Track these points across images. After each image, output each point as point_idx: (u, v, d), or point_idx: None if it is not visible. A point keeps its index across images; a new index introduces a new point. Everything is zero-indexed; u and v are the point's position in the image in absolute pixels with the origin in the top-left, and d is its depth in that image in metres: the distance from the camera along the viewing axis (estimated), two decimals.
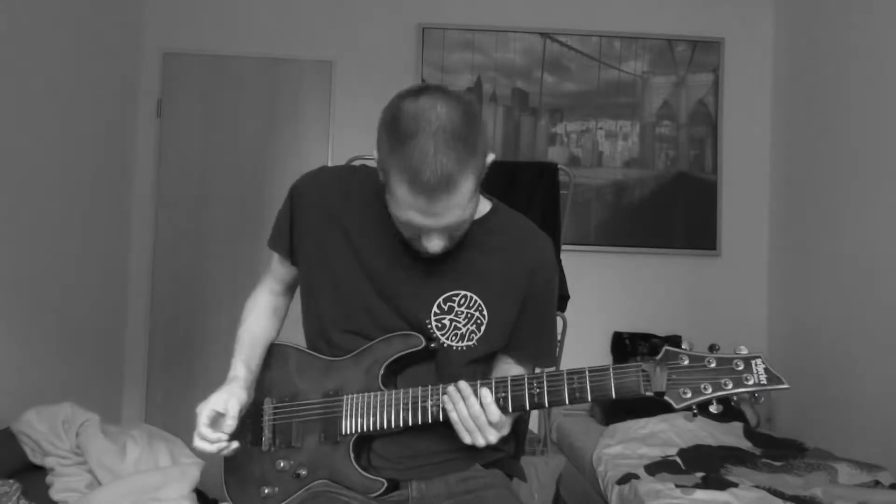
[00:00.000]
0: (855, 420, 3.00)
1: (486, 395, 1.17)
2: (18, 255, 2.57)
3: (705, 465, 2.48)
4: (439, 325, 1.29)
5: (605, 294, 3.73)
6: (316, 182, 1.39)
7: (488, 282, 1.30)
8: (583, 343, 3.23)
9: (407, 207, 1.12)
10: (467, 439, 1.19)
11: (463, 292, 1.29)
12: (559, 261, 2.88)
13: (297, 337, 1.46)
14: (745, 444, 2.86)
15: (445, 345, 1.29)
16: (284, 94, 3.73)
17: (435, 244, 1.18)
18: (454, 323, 1.29)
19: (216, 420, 1.26)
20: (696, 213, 3.80)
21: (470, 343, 1.29)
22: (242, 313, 1.46)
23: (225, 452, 1.27)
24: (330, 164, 3.68)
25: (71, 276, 2.97)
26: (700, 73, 3.84)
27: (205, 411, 1.27)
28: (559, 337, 2.99)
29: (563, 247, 2.99)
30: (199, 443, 1.26)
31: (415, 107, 1.10)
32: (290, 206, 1.38)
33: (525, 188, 2.87)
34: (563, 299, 2.90)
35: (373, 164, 1.27)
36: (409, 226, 1.16)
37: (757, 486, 2.24)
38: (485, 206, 1.35)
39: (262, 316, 1.45)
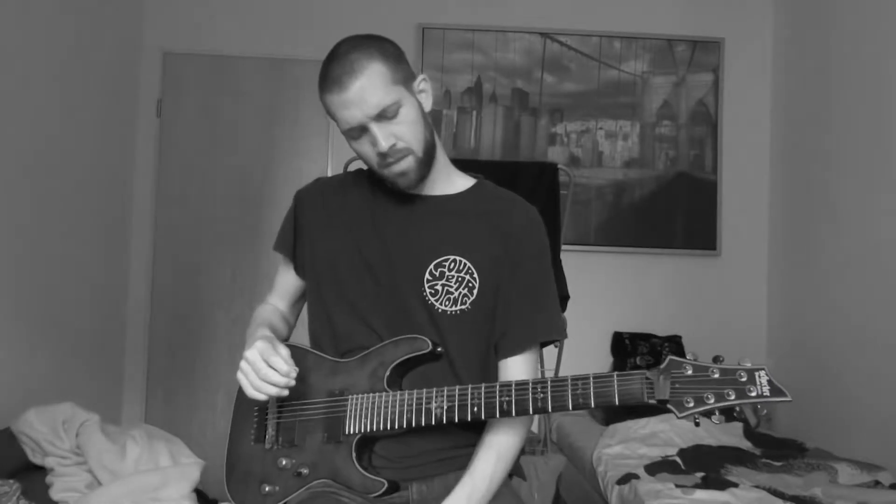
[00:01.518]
0: (855, 420, 3.00)
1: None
2: (18, 255, 2.58)
3: (705, 465, 2.48)
4: (432, 290, 1.32)
5: (605, 294, 3.73)
6: (316, 187, 1.49)
7: (477, 245, 1.34)
8: (583, 343, 3.23)
9: (338, 109, 1.26)
10: None
11: (452, 256, 1.33)
12: (559, 261, 2.88)
13: (301, 340, 1.47)
14: (745, 444, 2.86)
15: (440, 310, 1.32)
16: (284, 94, 3.73)
17: (380, 139, 1.25)
18: (446, 287, 1.32)
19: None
20: (696, 213, 3.80)
21: (463, 307, 1.32)
22: (253, 316, 1.49)
23: (283, 392, 1.24)
24: (329, 165, 3.70)
25: (71, 276, 2.97)
26: (700, 73, 3.84)
27: (265, 348, 1.24)
28: None
29: (563, 247, 2.99)
30: (262, 386, 1.22)
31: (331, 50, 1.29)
32: (293, 212, 1.47)
33: (525, 188, 2.87)
34: (563, 299, 2.89)
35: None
36: (351, 133, 1.28)
37: (757, 486, 2.24)
38: (468, 181, 1.43)
39: (275, 316, 1.49)
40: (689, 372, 1.11)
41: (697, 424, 1.12)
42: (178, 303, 3.65)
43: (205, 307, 3.64)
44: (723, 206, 3.81)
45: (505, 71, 3.79)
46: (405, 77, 1.29)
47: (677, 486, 2.23)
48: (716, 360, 1.12)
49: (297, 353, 1.40)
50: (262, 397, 1.24)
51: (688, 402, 1.09)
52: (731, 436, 2.93)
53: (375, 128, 1.26)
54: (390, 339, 1.31)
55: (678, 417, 1.10)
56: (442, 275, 1.33)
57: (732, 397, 1.08)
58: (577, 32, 3.81)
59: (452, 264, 1.33)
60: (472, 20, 3.78)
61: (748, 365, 1.10)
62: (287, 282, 1.50)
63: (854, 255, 3.06)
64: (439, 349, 1.29)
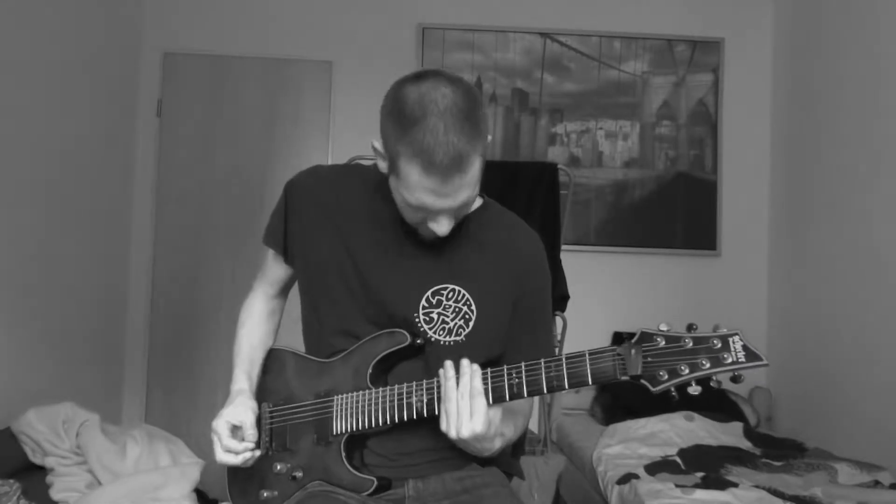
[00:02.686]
0: (855, 420, 3.00)
1: (465, 364, 1.15)
2: (18, 254, 2.58)
3: (705, 465, 2.48)
4: (427, 318, 1.29)
5: (605, 294, 3.73)
6: (310, 179, 1.41)
7: (478, 277, 1.31)
8: (583, 343, 3.19)
9: (420, 190, 1.13)
10: (443, 426, 1.15)
11: (451, 286, 1.29)
12: (559, 261, 2.88)
13: (291, 338, 1.47)
14: (745, 444, 2.86)
15: (433, 339, 1.29)
16: (284, 94, 3.73)
17: (444, 226, 1.19)
18: (442, 317, 1.29)
19: (233, 433, 1.28)
20: (696, 213, 3.80)
21: (458, 338, 1.29)
22: (239, 320, 1.47)
23: (249, 463, 1.29)
24: (329, 164, 3.68)
25: (71, 276, 2.97)
26: (700, 73, 3.84)
27: (223, 426, 1.28)
28: (559, 337, 2.99)
29: (563, 247, 2.99)
30: (224, 456, 1.27)
31: (418, 91, 1.11)
32: (284, 203, 1.40)
33: (525, 188, 2.87)
34: (563, 299, 2.89)
35: (369, 163, 1.27)
36: (419, 209, 1.17)
37: (757, 486, 2.24)
38: (477, 199, 1.36)
39: (259, 323, 1.47)
40: (662, 344, 1.08)
41: (675, 398, 1.09)
42: (178, 303, 3.65)
43: (205, 307, 3.64)
44: (723, 206, 3.81)
45: (505, 71, 3.79)
46: (485, 151, 1.18)
47: (677, 486, 2.23)
48: (689, 328, 1.09)
49: (282, 357, 1.42)
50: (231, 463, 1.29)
51: (661, 376, 1.07)
52: (731, 436, 2.93)
53: (446, 217, 1.19)
54: (369, 336, 1.30)
55: (653, 391, 1.07)
56: (439, 303, 1.29)
57: (707, 366, 1.05)
58: (577, 32, 3.81)
59: (451, 294, 1.30)
60: (472, 20, 3.78)
61: (722, 331, 1.07)
62: (277, 272, 1.47)
63: (854, 256, 3.06)
64: (419, 341, 1.28)
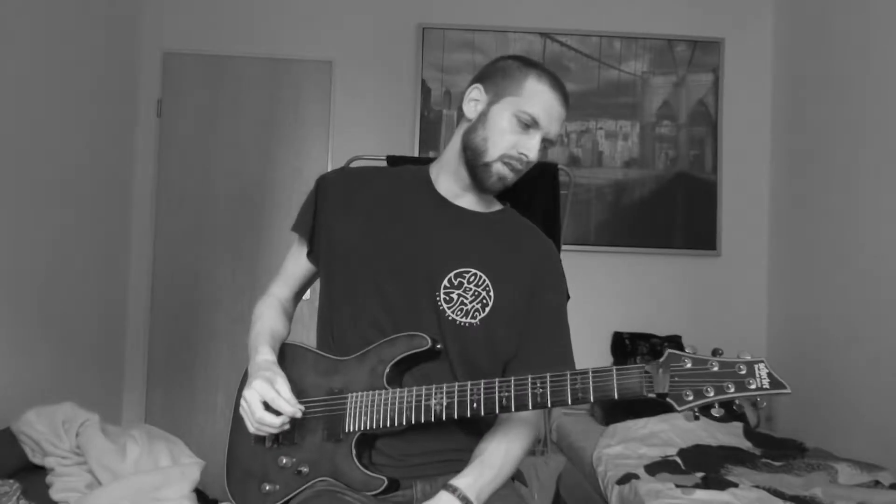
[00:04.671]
0: (855, 420, 3.00)
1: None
2: (18, 255, 2.57)
3: (705, 465, 2.48)
4: (447, 297, 1.34)
5: (605, 294, 3.73)
6: (340, 174, 1.50)
7: (498, 266, 1.36)
8: (583, 343, 3.19)
9: (540, 103, 1.33)
10: None
11: (474, 270, 1.35)
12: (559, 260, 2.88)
13: (301, 337, 1.47)
14: (745, 444, 2.86)
15: (450, 318, 1.32)
16: (284, 94, 3.73)
17: (534, 147, 1.34)
18: (461, 298, 1.34)
19: (266, 406, 1.27)
20: (696, 213, 3.80)
21: (473, 321, 1.33)
22: (255, 314, 1.48)
23: (285, 426, 1.27)
24: (329, 165, 3.69)
25: (71, 276, 2.97)
26: (700, 73, 3.84)
27: (255, 399, 1.25)
28: None
29: (563, 247, 2.98)
30: (259, 429, 1.27)
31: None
32: (315, 196, 1.47)
33: (525, 188, 2.85)
34: None
35: (374, 163, 1.28)
36: (528, 123, 1.33)
37: (757, 486, 2.24)
38: (499, 205, 1.48)
39: (276, 316, 1.48)
40: (689, 365, 1.10)
41: (697, 418, 1.12)
42: (178, 303, 3.65)
43: (205, 307, 3.64)
44: (723, 206, 3.81)
45: None
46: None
47: (677, 486, 2.23)
48: (715, 353, 1.11)
49: (295, 352, 1.41)
50: (263, 434, 1.29)
51: (687, 396, 1.09)
52: (731, 436, 2.93)
53: (538, 140, 1.35)
54: (388, 337, 1.31)
55: (678, 411, 1.10)
56: (460, 285, 1.34)
57: (732, 390, 1.07)
58: (577, 32, 3.81)
59: (473, 277, 1.34)
60: (472, 20, 3.78)
61: (747, 358, 1.09)
62: (297, 266, 1.50)
63: (854, 255, 3.06)
64: (438, 346, 1.29)
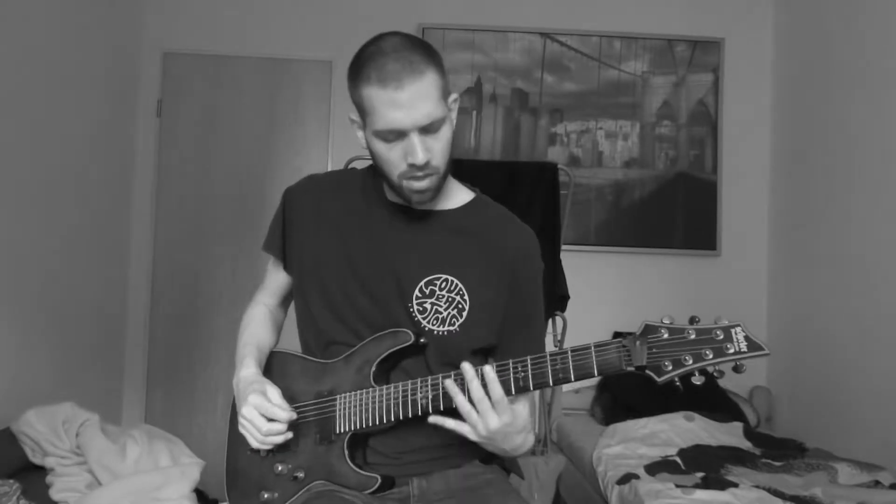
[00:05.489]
0: (855, 420, 3.00)
1: (489, 371, 1.14)
2: (18, 254, 2.57)
3: (705, 465, 2.48)
4: (420, 308, 1.30)
5: (605, 294, 3.73)
6: (307, 186, 1.45)
7: (470, 267, 1.32)
8: (583, 343, 3.22)
9: (384, 108, 1.17)
10: (466, 430, 1.16)
11: (444, 276, 1.30)
12: (559, 261, 2.88)
13: (289, 343, 1.47)
14: (745, 444, 2.86)
15: (426, 328, 1.30)
16: (284, 94, 3.73)
17: (418, 150, 1.19)
18: (435, 307, 1.30)
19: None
20: (696, 213, 3.80)
21: (452, 328, 1.30)
22: (242, 324, 1.48)
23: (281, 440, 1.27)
24: (329, 165, 3.69)
25: (71, 275, 2.97)
26: (700, 73, 3.84)
27: (254, 414, 1.25)
28: (559, 337, 2.99)
29: (563, 247, 2.99)
30: (261, 441, 1.26)
31: (372, 40, 1.23)
32: (282, 210, 1.43)
33: (525, 188, 2.87)
34: (563, 299, 2.90)
35: (366, 164, 1.27)
36: (391, 133, 1.20)
37: (757, 486, 2.24)
38: (467, 195, 1.40)
39: (263, 325, 1.47)
40: (666, 336, 1.11)
41: (679, 389, 1.11)
42: (178, 303, 3.65)
43: (204, 307, 3.64)
44: (723, 206, 3.81)
45: (505, 71, 3.79)
46: (448, 93, 1.26)
47: (677, 486, 2.23)
48: (692, 321, 1.12)
49: (283, 359, 1.42)
50: (270, 447, 1.28)
51: (666, 366, 1.09)
52: (731, 436, 2.93)
53: (417, 139, 1.20)
54: (372, 336, 1.31)
55: (658, 381, 1.10)
56: (432, 293, 1.30)
57: (710, 356, 1.08)
58: (577, 32, 3.81)
59: (444, 283, 1.30)
60: (472, 20, 3.78)
61: (724, 322, 1.11)
62: (278, 280, 1.49)
63: (854, 255, 3.06)
64: (422, 340, 1.28)
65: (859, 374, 2.98)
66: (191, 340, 3.64)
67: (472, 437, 1.17)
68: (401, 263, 1.31)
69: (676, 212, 3.80)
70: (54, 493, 2.08)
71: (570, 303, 2.89)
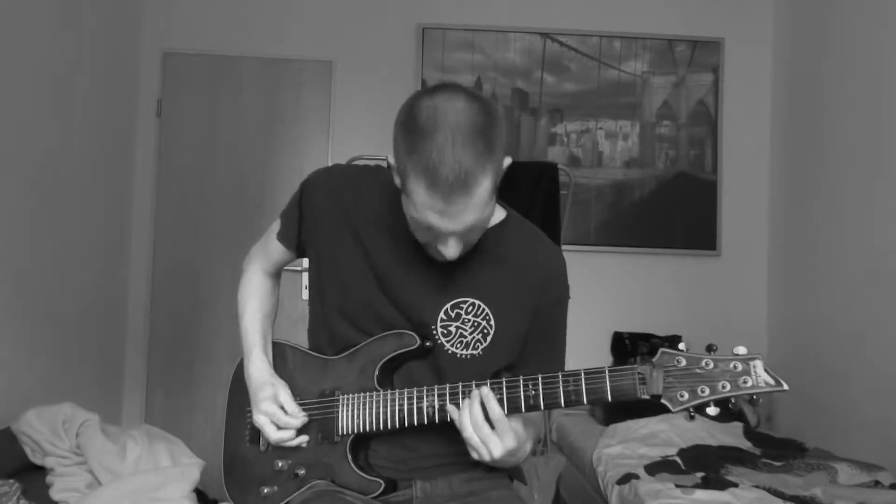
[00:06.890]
0: (855, 420, 3.00)
1: (486, 392, 1.14)
2: (18, 255, 2.57)
3: (705, 465, 2.48)
4: (445, 331, 1.27)
5: (605, 294, 3.73)
6: (328, 177, 1.36)
7: (498, 292, 1.28)
8: (583, 343, 3.20)
9: (425, 209, 1.08)
10: (473, 455, 1.16)
11: (471, 300, 1.27)
12: None
13: (295, 335, 1.45)
14: (745, 444, 2.86)
15: (449, 352, 1.27)
16: (284, 94, 3.73)
17: (451, 249, 1.14)
18: (460, 330, 1.27)
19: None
20: (696, 213, 3.80)
21: (475, 352, 1.27)
22: (244, 291, 1.46)
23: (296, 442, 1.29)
24: (330, 164, 3.68)
25: (71, 276, 2.97)
26: (700, 73, 3.84)
27: (266, 423, 1.28)
28: None
29: (564, 247, 2.99)
30: (279, 436, 1.28)
31: (431, 104, 1.06)
32: (299, 201, 1.36)
33: (525, 188, 2.87)
34: None
35: (374, 163, 1.26)
36: (426, 229, 1.12)
37: (757, 486, 2.24)
38: (499, 214, 1.33)
39: (263, 298, 1.46)
40: (683, 364, 1.07)
41: (692, 418, 1.09)
42: (178, 303, 3.65)
43: (204, 307, 3.64)
44: (723, 206, 3.81)
45: (505, 71, 3.79)
46: (500, 173, 1.12)
47: (677, 486, 2.23)
48: (709, 349, 1.08)
49: (286, 352, 1.40)
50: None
51: (682, 396, 1.06)
52: (731, 436, 2.93)
53: (453, 240, 1.13)
54: (377, 336, 1.28)
55: (672, 412, 1.07)
56: (458, 316, 1.27)
57: (728, 389, 1.04)
58: (577, 32, 3.81)
59: (470, 307, 1.27)
60: (472, 20, 3.78)
61: (742, 352, 1.06)
62: (281, 256, 1.44)
63: (854, 255, 3.06)
64: (428, 343, 1.26)
65: (859, 375, 2.98)
66: (191, 340, 3.64)
67: (476, 457, 1.16)
68: (426, 285, 1.27)
69: (676, 212, 3.80)
70: (54, 494, 2.08)
71: (570, 303, 2.88)
